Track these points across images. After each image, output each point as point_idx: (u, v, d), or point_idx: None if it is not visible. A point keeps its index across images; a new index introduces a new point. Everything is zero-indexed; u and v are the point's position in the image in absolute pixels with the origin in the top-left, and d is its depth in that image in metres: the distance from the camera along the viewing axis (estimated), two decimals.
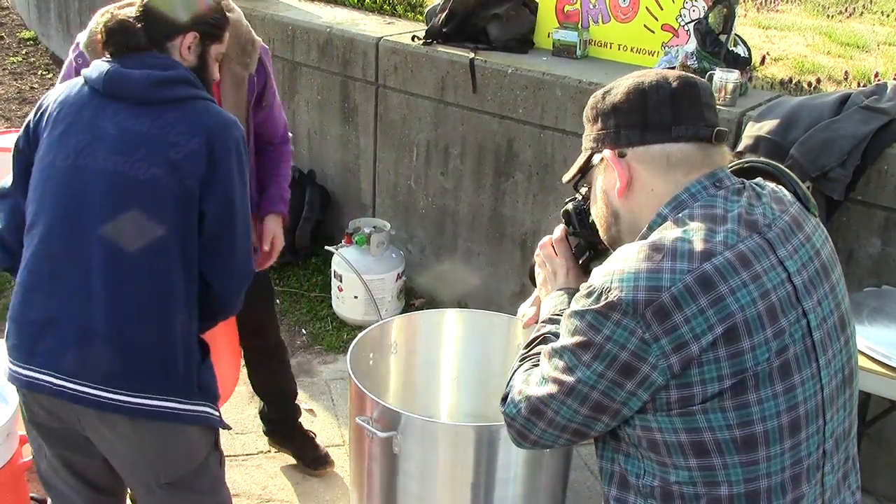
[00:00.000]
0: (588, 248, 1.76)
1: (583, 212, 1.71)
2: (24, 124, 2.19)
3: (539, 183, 3.95)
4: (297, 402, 3.42)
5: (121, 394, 2.01)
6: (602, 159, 1.53)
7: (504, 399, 1.57)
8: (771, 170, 1.60)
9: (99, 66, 2.10)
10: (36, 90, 7.82)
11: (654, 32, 3.86)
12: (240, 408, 3.68)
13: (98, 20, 2.31)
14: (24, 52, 8.82)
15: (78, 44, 2.57)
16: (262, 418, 3.45)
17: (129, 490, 2.40)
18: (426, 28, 4.32)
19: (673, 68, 3.22)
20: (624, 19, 3.94)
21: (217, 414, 2.19)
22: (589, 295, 1.41)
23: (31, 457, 2.38)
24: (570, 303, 1.68)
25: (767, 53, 4.06)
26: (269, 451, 3.50)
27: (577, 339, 1.41)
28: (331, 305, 4.52)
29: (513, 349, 2.74)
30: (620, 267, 1.39)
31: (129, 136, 2.03)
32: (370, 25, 4.69)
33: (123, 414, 2.02)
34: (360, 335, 2.74)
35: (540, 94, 3.83)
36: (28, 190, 2.11)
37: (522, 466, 2.50)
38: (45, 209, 2.05)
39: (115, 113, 2.06)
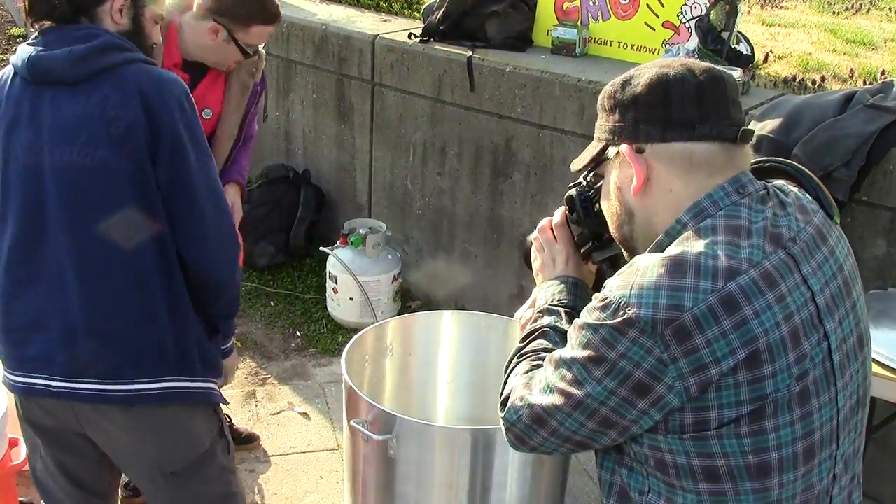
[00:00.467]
0: (591, 237, 1.66)
1: (587, 199, 1.62)
2: None
3: (537, 183, 3.92)
4: None
5: (110, 383, 2.00)
6: (618, 153, 1.45)
7: (503, 403, 1.50)
8: (792, 171, 1.53)
9: (21, 53, 1.99)
10: None
11: (654, 30, 3.84)
12: (234, 411, 3.65)
13: None
14: (13, 50, 8.76)
15: None
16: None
17: (119, 493, 2.38)
18: (423, 25, 4.30)
19: None
20: (624, 16, 3.92)
21: (216, 390, 2.17)
22: (604, 308, 1.33)
23: (26, 456, 2.38)
24: (567, 293, 1.63)
25: (771, 51, 4.03)
26: (265, 456, 3.47)
27: (589, 352, 1.34)
28: (325, 307, 4.49)
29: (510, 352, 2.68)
30: (640, 281, 1.31)
31: (68, 123, 1.93)
32: (366, 23, 4.68)
33: (116, 403, 2.01)
34: (354, 337, 2.72)
35: (538, 92, 3.80)
36: None
37: (520, 471, 2.47)
38: (10, 217, 2.01)
39: (52, 100, 1.95)
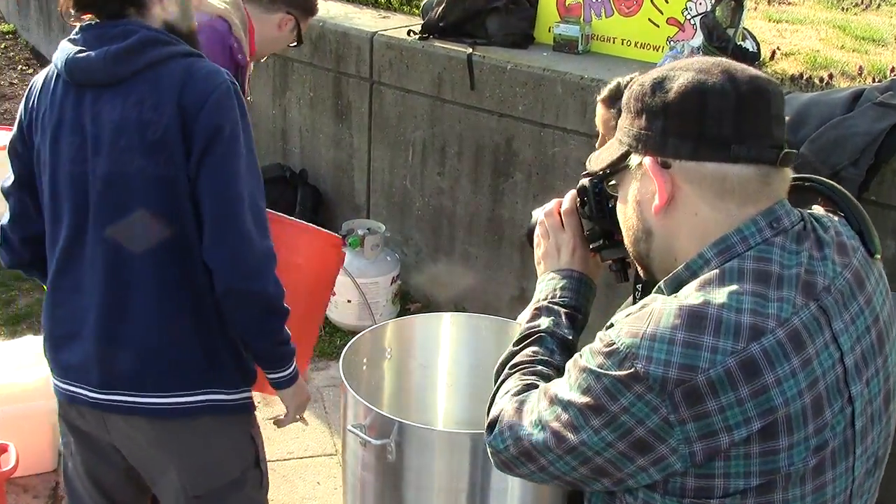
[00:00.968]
0: (602, 236, 1.54)
1: (602, 193, 1.49)
2: (17, 123, 2.06)
3: (539, 183, 3.89)
4: None
5: (143, 396, 1.99)
6: (640, 163, 1.30)
7: (490, 427, 1.38)
8: (835, 196, 1.40)
9: (61, 52, 1.93)
10: (15, 86, 7.74)
11: (658, 27, 3.82)
12: None
13: None
14: (2, 47, 8.76)
15: None
16: None
17: None
18: (422, 22, 4.29)
19: None
20: (628, 13, 3.90)
21: (250, 399, 2.14)
22: (609, 354, 1.21)
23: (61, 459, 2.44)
24: (570, 290, 1.53)
25: (778, 48, 3.98)
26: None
27: (588, 399, 1.23)
28: None
29: None
30: (652, 330, 1.19)
31: (107, 128, 1.88)
32: (364, 19, 4.67)
33: (147, 416, 2.01)
34: (352, 340, 2.70)
35: (540, 90, 3.77)
36: (33, 188, 2.04)
37: None
38: (62, 225, 1.99)
39: (92, 103, 1.90)
